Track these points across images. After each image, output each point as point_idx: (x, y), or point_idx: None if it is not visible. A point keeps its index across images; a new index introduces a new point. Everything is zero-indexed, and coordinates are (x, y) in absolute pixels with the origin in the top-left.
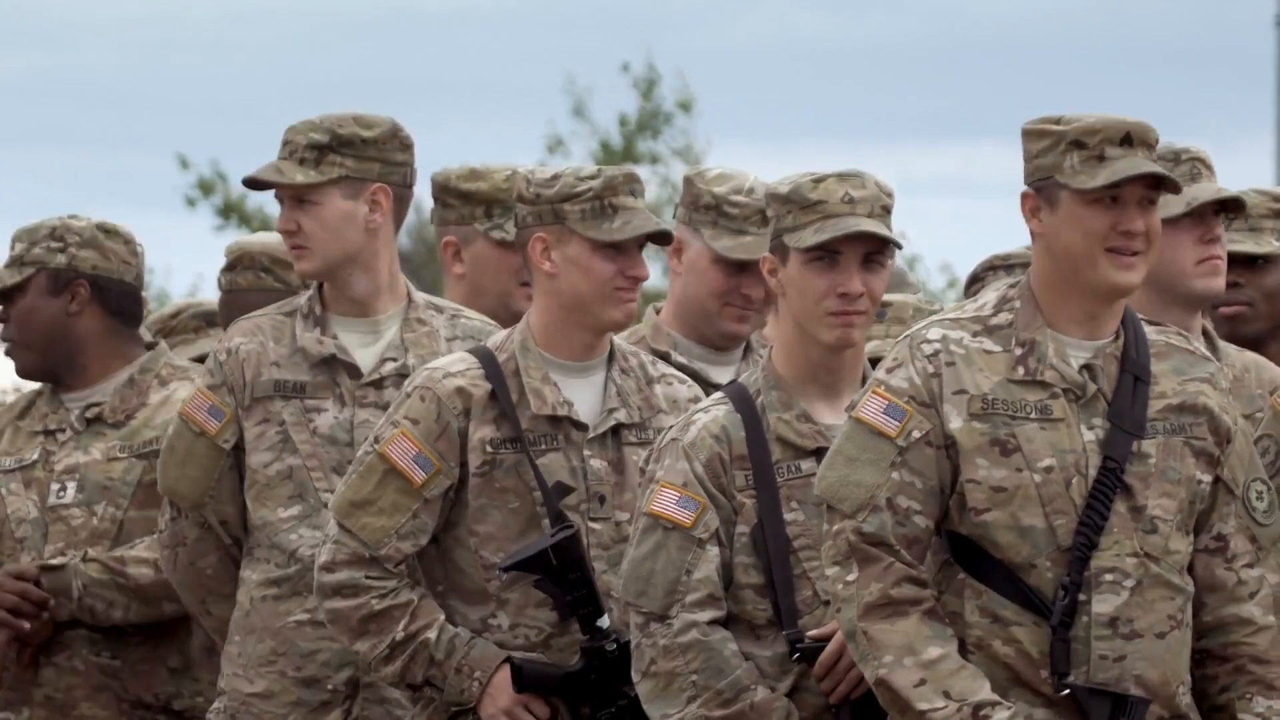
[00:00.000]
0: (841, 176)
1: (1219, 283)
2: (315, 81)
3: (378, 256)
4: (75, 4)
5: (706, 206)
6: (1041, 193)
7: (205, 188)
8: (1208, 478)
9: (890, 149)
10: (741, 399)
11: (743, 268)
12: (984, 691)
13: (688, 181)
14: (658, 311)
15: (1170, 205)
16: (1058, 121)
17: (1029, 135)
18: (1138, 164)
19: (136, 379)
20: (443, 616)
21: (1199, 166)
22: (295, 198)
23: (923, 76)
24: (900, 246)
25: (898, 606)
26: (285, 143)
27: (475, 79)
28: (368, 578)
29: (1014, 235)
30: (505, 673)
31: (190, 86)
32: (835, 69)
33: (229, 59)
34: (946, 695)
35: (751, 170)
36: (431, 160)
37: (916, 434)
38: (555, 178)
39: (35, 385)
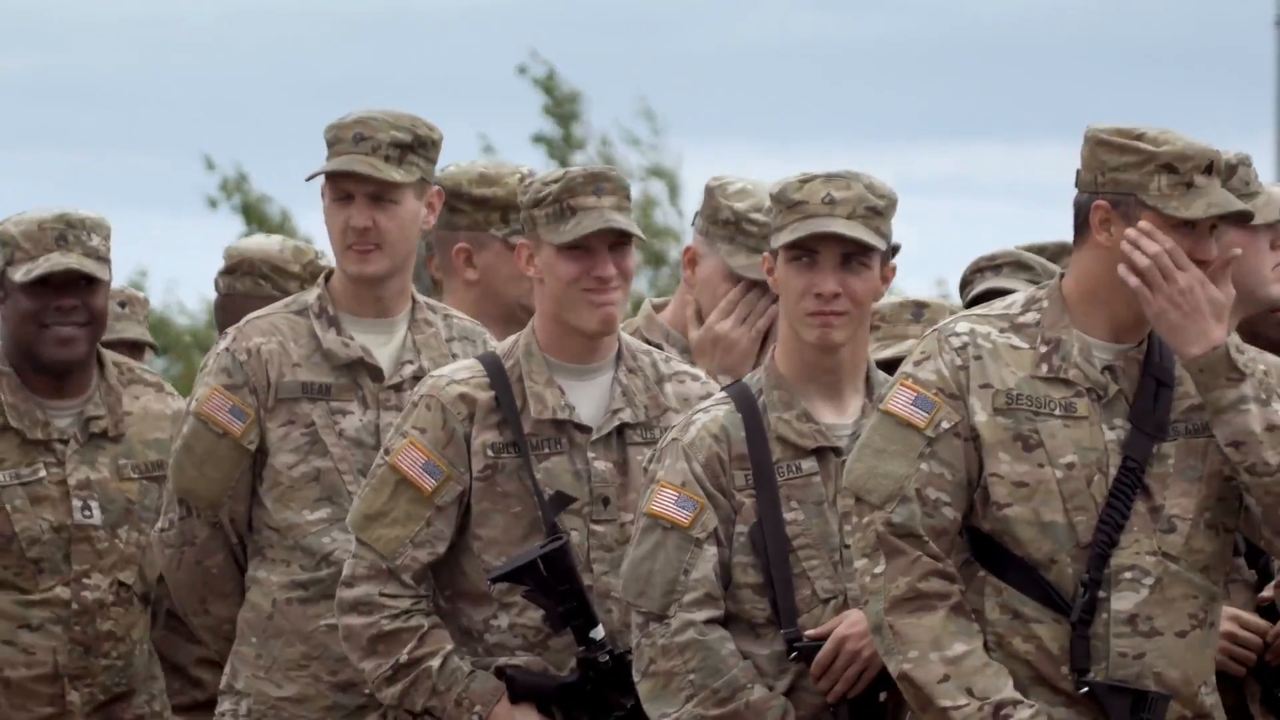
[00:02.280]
0: (829, 177)
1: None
2: (315, 81)
3: (413, 258)
4: (75, 4)
5: (725, 222)
6: (1117, 207)
7: (229, 190)
8: None
9: (890, 149)
10: (743, 398)
11: (757, 286)
12: (1007, 690)
13: (709, 193)
14: (656, 308)
15: (1263, 213)
16: (1140, 137)
17: (1107, 146)
18: (1230, 198)
19: (111, 384)
20: (450, 646)
21: (1250, 174)
22: (377, 195)
23: (923, 76)
24: (882, 249)
25: (925, 600)
26: (362, 138)
27: (475, 79)
28: (382, 595)
29: (1013, 235)
30: (505, 705)
31: (190, 86)
32: (835, 69)
33: (229, 59)
34: (969, 693)
35: (766, 180)
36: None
37: (945, 425)
38: (529, 184)
39: None
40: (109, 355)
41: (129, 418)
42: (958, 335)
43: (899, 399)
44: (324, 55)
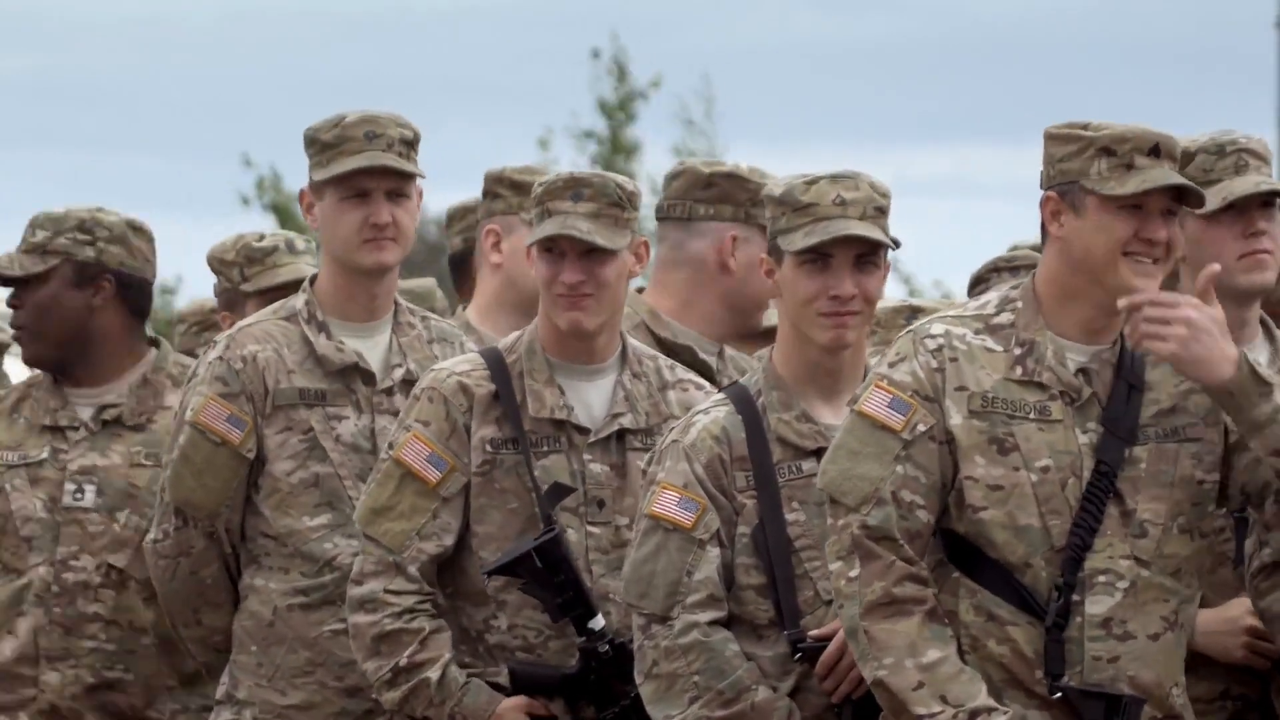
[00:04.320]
0: (834, 178)
1: (1266, 276)
2: (315, 81)
3: None
4: (75, 4)
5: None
6: (1065, 197)
7: (263, 188)
8: (1211, 477)
9: (889, 149)
10: (742, 400)
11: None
12: (981, 696)
13: (737, 180)
14: (642, 292)
15: (1208, 201)
16: (1085, 127)
17: (1054, 139)
18: (1167, 175)
19: (150, 379)
20: (449, 654)
21: (1245, 158)
22: (395, 191)
23: (923, 76)
24: (895, 247)
25: (900, 606)
26: (374, 135)
27: (475, 79)
28: (387, 591)
29: (1012, 236)
30: (498, 718)
31: (190, 87)
32: (835, 69)
33: (229, 59)
34: (944, 700)
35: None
36: (432, 160)
37: (921, 428)
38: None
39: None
40: (175, 357)
41: (163, 411)
42: (933, 337)
43: (874, 401)
44: (324, 55)
